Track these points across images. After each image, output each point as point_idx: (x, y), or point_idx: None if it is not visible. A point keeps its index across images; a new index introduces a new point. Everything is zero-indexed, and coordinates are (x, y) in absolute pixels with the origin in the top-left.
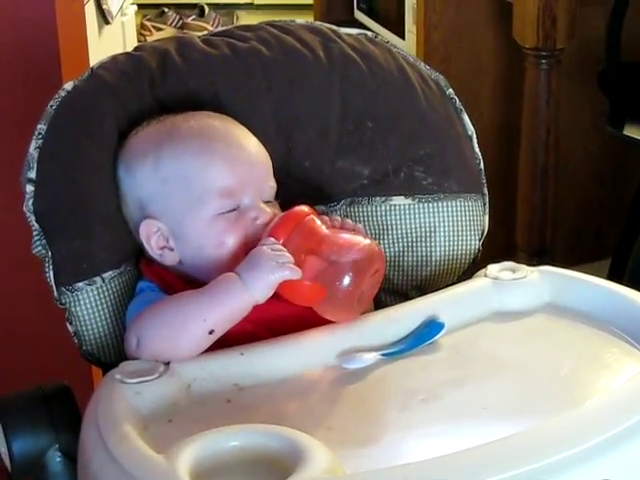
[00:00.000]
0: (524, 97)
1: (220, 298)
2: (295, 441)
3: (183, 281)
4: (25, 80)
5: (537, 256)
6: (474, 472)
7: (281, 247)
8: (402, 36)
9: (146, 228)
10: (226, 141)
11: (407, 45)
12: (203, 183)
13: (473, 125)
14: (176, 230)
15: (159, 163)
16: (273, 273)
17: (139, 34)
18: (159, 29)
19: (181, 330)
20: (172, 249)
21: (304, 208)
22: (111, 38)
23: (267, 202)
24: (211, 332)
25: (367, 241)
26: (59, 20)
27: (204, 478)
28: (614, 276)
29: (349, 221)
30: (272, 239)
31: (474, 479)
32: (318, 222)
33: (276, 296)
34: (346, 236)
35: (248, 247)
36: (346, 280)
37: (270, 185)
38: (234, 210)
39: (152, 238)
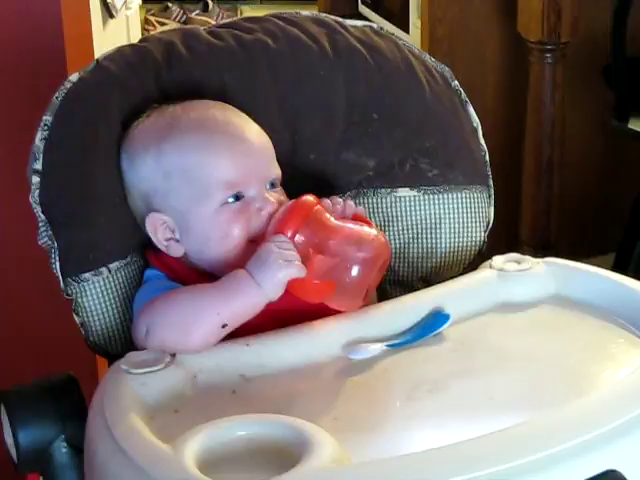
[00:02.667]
0: (529, 91)
1: (234, 295)
2: (301, 430)
3: (191, 270)
4: (31, 72)
5: (542, 250)
6: (479, 461)
7: (289, 244)
8: (406, 30)
9: (152, 221)
10: (227, 133)
11: (412, 39)
12: (206, 177)
13: (477, 116)
14: (181, 223)
15: (161, 158)
16: (280, 271)
17: (143, 29)
18: (163, 24)
19: (194, 321)
20: (178, 241)
21: (310, 198)
22: (115, 32)
23: (273, 189)
24: (224, 326)
25: (374, 232)
26: (64, 13)
27: (211, 468)
28: (618, 270)
29: (350, 202)
30: (280, 236)
31: (479, 468)
32: (326, 214)
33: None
34: (354, 227)
35: (253, 238)
36: (355, 273)
37: (274, 172)
38: (238, 201)
39: (158, 231)
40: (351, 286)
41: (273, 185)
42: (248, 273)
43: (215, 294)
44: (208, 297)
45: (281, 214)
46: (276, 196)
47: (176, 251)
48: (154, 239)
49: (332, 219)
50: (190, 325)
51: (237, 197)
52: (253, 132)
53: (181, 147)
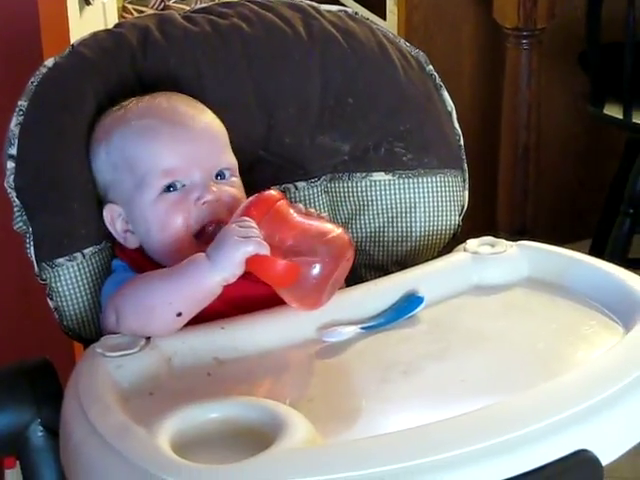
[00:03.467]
0: (505, 77)
1: (186, 280)
2: (275, 412)
3: (149, 261)
4: (6, 58)
5: (518, 235)
6: (451, 442)
7: (250, 223)
8: (383, 16)
9: (109, 213)
10: (169, 120)
11: (388, 25)
12: (146, 165)
13: (453, 101)
14: (129, 214)
15: (109, 149)
16: (238, 249)
17: (120, 17)
18: (141, 12)
19: (150, 313)
20: (134, 232)
21: (274, 193)
22: (92, 19)
23: (223, 180)
24: (179, 314)
25: (339, 230)
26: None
27: (185, 449)
28: (595, 255)
29: (312, 210)
30: (242, 217)
31: (450, 449)
32: (289, 209)
33: (248, 276)
34: (318, 224)
35: (192, 229)
36: (318, 269)
37: (225, 161)
38: (177, 190)
39: (116, 222)
40: (312, 282)
41: (222, 176)
42: (205, 255)
43: (167, 281)
44: (161, 286)
45: (247, 202)
46: (223, 188)
47: (133, 243)
48: (112, 230)
49: (295, 215)
50: (148, 317)
51: (178, 186)
52: (201, 120)
53: (125, 136)
